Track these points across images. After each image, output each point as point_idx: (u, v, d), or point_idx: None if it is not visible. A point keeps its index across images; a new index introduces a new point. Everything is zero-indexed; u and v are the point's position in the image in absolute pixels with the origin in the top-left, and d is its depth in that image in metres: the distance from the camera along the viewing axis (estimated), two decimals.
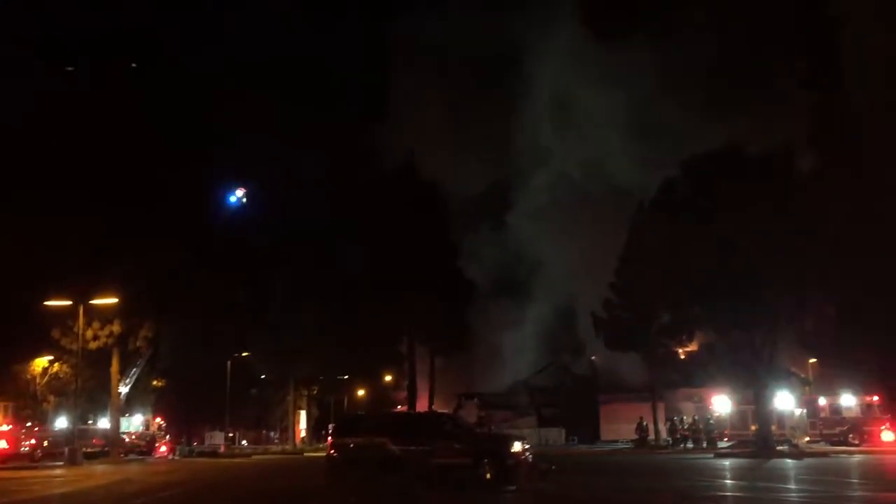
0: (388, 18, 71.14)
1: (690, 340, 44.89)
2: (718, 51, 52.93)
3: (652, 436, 46.15)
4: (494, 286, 64.32)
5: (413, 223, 61.23)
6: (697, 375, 47.77)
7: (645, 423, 45.75)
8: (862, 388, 41.93)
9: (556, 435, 54.42)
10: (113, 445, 45.27)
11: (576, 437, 53.78)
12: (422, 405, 60.95)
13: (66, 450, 39.03)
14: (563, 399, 58.06)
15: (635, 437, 45.63)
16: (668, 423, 46.99)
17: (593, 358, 59.08)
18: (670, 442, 45.39)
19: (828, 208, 34.63)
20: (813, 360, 49.92)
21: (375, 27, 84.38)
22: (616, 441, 50.24)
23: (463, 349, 62.74)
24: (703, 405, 46.21)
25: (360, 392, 73.59)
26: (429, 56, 64.70)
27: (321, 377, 64.50)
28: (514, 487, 19.66)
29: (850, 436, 40.25)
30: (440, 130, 62.80)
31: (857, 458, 33.13)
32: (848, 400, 41.58)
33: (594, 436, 54.08)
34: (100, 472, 31.95)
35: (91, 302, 40.61)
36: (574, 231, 58.88)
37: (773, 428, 38.37)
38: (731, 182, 34.62)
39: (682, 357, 49.24)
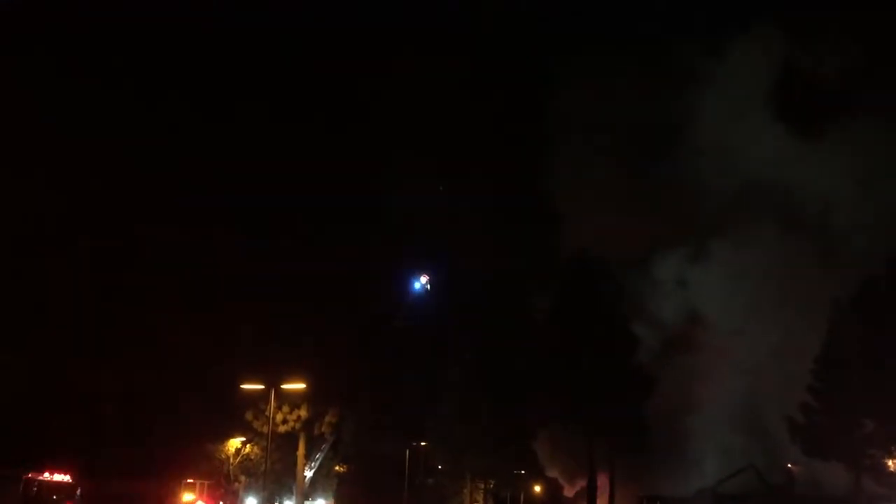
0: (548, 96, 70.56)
1: None
2: None
3: None
4: (676, 380, 61.41)
5: (589, 315, 60.08)
6: None
7: None
8: None
9: None
10: None
11: None
12: None
13: None
14: None
15: None
16: None
17: (789, 466, 54.79)
18: None
19: None
20: None
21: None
22: None
23: (643, 448, 60.00)
24: None
25: (537, 488, 72.00)
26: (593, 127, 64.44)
27: (497, 471, 63.82)
28: None
29: None
30: (607, 202, 61.76)
31: None
32: None
33: None
34: None
35: (282, 386, 42.56)
36: (763, 319, 55.91)
37: None
38: None
39: (894, 469, 44.68)
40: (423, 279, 60.98)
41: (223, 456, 52.29)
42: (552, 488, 70.30)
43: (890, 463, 44.37)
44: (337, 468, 57.48)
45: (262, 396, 43.61)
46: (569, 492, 65.42)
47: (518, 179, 73.26)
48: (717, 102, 61.35)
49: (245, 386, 43.26)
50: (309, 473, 50.64)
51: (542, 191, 67.31)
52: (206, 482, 49.61)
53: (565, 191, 63.76)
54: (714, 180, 61.47)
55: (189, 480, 48.07)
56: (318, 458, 51.85)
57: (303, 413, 46.61)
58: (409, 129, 69.72)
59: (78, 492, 39.90)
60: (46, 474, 38.76)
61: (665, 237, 62.40)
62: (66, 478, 39.26)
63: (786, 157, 58.31)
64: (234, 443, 52.11)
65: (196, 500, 46.41)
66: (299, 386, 43.17)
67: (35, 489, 37.86)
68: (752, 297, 57.00)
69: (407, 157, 67.50)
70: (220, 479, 51.80)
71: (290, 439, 47.83)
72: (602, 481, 55.45)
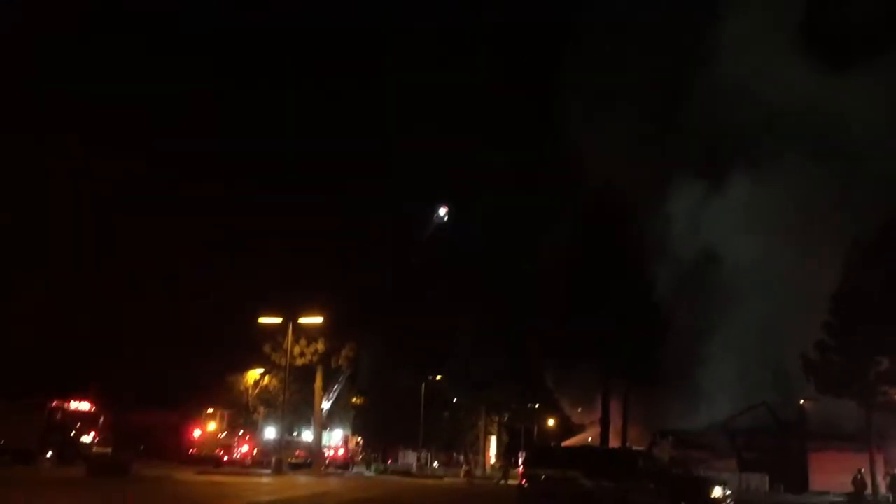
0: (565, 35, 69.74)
1: None
2: None
3: (869, 490, 42.21)
4: (690, 316, 61.37)
5: (607, 251, 59.87)
6: None
7: (860, 476, 41.95)
8: None
9: (759, 481, 51.00)
10: (315, 458, 47.63)
11: (782, 486, 50.20)
12: (614, 440, 59.38)
13: (273, 459, 41.59)
14: (766, 443, 54.42)
15: (850, 489, 41.89)
16: (889, 478, 42.89)
17: (802, 402, 55.02)
18: (890, 499, 41.40)
19: None
20: None
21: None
22: (827, 493, 46.39)
23: (657, 385, 60.42)
24: None
25: (551, 422, 73.02)
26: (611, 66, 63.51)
27: (511, 404, 64.80)
28: None
29: None
30: (624, 141, 61.06)
31: None
32: None
33: (801, 485, 50.22)
34: (302, 483, 33.59)
35: (299, 320, 42.99)
36: (780, 255, 55.70)
37: None
38: None
39: None
40: (442, 211, 60.58)
41: (242, 387, 53.29)
42: (565, 421, 71.26)
43: None
44: (354, 400, 58.46)
45: (280, 330, 44.07)
46: (591, 430, 65.99)
47: (537, 116, 72.81)
48: (741, 33, 60.12)
49: (263, 320, 43.73)
50: (326, 405, 51.46)
51: (561, 127, 66.82)
52: (226, 412, 50.65)
53: (584, 127, 63.15)
54: (736, 112, 60.62)
55: (209, 410, 49.06)
56: (335, 391, 52.66)
57: (320, 347, 47.02)
58: (426, 65, 69.15)
59: (100, 420, 40.86)
60: (71, 403, 39.68)
61: (684, 171, 61.90)
62: (90, 406, 40.17)
63: (810, 89, 57.26)
64: (254, 374, 53.03)
65: (217, 430, 47.47)
66: (316, 320, 43.57)
67: (59, 417, 38.81)
68: (769, 232, 56.66)
69: (425, 92, 67.04)
70: (240, 409, 52.89)
71: (307, 372, 48.44)
72: (615, 416, 56.07)
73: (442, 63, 67.75)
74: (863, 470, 42.38)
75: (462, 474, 46.14)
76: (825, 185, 55.07)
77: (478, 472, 56.86)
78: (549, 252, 62.89)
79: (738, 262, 58.97)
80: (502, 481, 43.66)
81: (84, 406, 39.97)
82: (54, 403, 38.84)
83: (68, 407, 39.36)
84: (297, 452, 48.58)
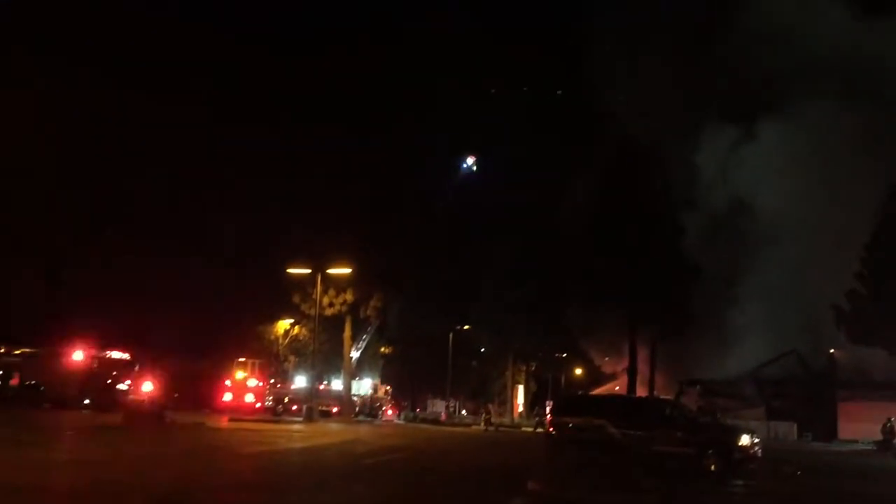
0: None
1: None
2: None
3: None
4: (719, 265, 60.87)
5: (633, 198, 59.34)
6: None
7: (890, 425, 41.78)
8: None
9: (787, 429, 51.10)
10: (345, 406, 48.41)
11: (810, 434, 50.28)
12: (641, 389, 59.63)
13: (305, 407, 42.34)
14: (795, 392, 54.35)
15: (879, 438, 41.77)
16: None
17: (832, 351, 54.72)
18: None
19: None
20: None
21: None
22: (856, 441, 46.41)
23: (685, 333, 60.32)
24: None
25: (578, 371, 73.34)
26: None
27: (539, 353, 65.06)
28: (741, 482, 18.66)
29: None
30: (652, 88, 59.95)
31: None
32: None
33: (830, 434, 50.26)
34: (333, 431, 34.21)
35: (328, 271, 43.34)
36: (812, 204, 54.94)
37: None
38: None
39: None
40: (470, 160, 60.33)
41: (273, 337, 54.03)
42: (593, 371, 71.52)
43: None
44: (382, 349, 59.10)
45: (309, 280, 44.46)
46: (619, 380, 65.84)
47: (564, 62, 71.62)
48: None
49: (292, 270, 44.14)
50: (355, 354, 52.16)
51: (588, 73, 65.72)
52: (257, 361, 51.44)
53: (612, 73, 62.07)
54: (767, 58, 59.26)
55: (241, 359, 49.85)
56: (364, 340, 53.29)
57: (348, 297, 47.49)
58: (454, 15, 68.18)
59: (136, 368, 41.74)
60: (108, 352, 40.54)
61: (714, 119, 60.92)
62: (125, 355, 41.03)
63: (843, 34, 55.77)
64: (283, 324, 53.71)
65: (248, 378, 48.26)
66: (345, 271, 43.91)
67: (96, 366, 39.72)
68: (801, 178, 55.77)
69: (451, 41, 66.10)
70: (271, 358, 53.71)
71: (337, 322, 48.98)
72: (642, 365, 56.15)
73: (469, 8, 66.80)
74: (892, 419, 42.18)
75: (482, 423, 46.61)
76: (857, 131, 53.89)
77: (506, 420, 57.46)
78: (576, 199, 62.53)
79: (769, 208, 58.19)
80: (538, 429, 43.88)
81: (120, 355, 40.83)
82: (92, 352, 39.71)
83: (105, 356, 40.25)
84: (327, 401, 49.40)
